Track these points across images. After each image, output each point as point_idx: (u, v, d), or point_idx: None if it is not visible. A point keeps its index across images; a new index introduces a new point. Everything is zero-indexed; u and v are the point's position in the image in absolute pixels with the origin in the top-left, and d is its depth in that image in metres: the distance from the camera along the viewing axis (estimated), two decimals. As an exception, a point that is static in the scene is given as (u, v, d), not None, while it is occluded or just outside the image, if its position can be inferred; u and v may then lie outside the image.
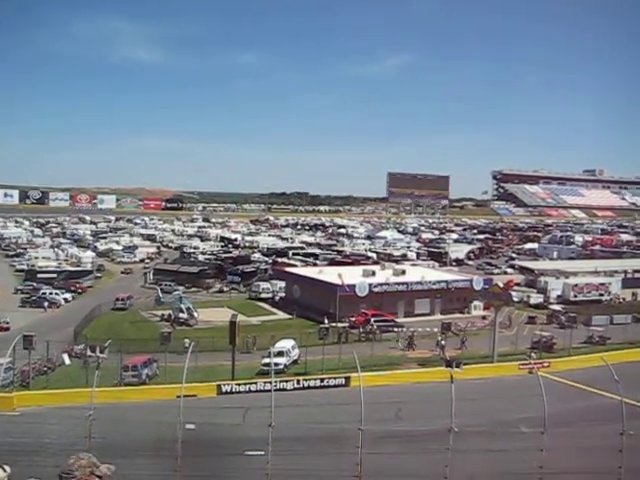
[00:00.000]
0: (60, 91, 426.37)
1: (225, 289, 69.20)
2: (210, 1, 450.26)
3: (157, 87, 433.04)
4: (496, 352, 39.21)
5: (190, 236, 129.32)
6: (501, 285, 47.00)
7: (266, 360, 35.63)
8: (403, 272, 62.14)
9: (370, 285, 54.86)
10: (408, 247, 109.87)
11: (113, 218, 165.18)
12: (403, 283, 57.38)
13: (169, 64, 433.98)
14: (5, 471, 5.48)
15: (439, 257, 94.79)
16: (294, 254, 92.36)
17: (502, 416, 25.52)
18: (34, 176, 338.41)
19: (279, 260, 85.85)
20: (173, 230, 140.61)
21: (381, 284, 56.18)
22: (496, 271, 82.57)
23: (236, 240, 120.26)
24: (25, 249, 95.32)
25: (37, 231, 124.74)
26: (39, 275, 68.13)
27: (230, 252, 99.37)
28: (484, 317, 52.04)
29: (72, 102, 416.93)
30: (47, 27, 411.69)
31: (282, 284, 64.42)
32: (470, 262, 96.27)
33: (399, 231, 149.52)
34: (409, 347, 43.61)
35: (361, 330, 47.17)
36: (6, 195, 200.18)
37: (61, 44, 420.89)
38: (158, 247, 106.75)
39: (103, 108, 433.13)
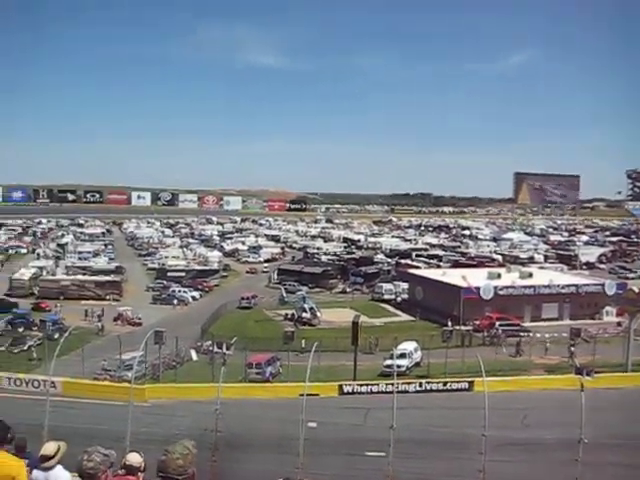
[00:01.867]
0: (182, 94, 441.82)
1: (348, 290, 69.41)
2: (325, 8, 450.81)
3: (280, 91, 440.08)
4: (630, 361, 37.08)
5: (313, 237, 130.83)
6: (636, 290, 44.37)
7: (388, 362, 35.45)
8: (530, 275, 60.11)
9: (495, 288, 53.41)
10: (535, 249, 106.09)
11: (239, 219, 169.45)
12: (530, 286, 55.43)
13: (289, 67, 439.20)
14: (141, 456, 5.61)
15: (568, 260, 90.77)
16: (417, 256, 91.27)
17: (636, 429, 24.04)
18: (165, 179, 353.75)
19: (402, 262, 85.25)
20: (297, 231, 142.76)
21: (507, 287, 54.55)
22: (631, 275, 78.14)
23: (359, 241, 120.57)
24: (156, 249, 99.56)
25: (167, 231, 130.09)
26: (169, 274, 70.91)
27: (353, 253, 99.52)
28: (619, 324, 49.29)
29: (195, 106, 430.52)
30: (174, 36, 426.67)
31: (405, 286, 63.85)
32: (602, 266, 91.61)
33: (526, 233, 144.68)
34: (517, 353, 42.10)
35: (485, 334, 45.99)
36: (139, 197, 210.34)
37: (183, 50, 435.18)
38: (282, 247, 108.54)
39: (227, 112, 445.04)
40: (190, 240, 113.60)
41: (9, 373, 33.28)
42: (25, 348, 40.52)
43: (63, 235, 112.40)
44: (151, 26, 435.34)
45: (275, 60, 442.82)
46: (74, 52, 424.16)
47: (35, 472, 6.04)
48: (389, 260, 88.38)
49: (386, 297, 63.03)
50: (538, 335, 44.57)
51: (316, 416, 22.60)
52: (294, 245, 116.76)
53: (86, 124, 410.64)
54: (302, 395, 21.85)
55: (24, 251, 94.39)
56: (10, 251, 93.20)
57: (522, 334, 45.46)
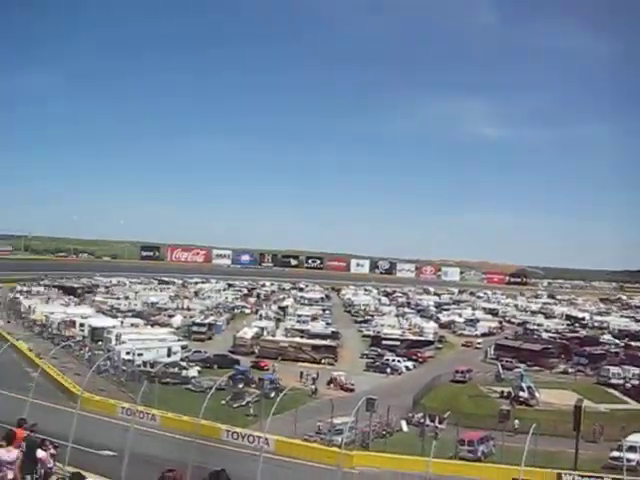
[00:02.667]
0: (396, 166, 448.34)
1: (570, 370, 64.94)
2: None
3: (503, 162, 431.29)
4: None
5: (534, 312, 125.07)
6: None
7: (615, 454, 32.18)
8: None
9: None
10: None
11: (456, 290, 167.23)
12: None
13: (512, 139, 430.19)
14: None
15: None
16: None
17: None
18: (383, 248, 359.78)
19: (633, 344, 78.48)
20: (516, 305, 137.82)
21: None
22: None
23: (583, 319, 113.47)
24: (372, 316, 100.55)
25: (384, 299, 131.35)
26: (384, 342, 71.00)
27: (577, 332, 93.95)
28: None
29: (411, 177, 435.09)
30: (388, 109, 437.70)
31: (636, 371, 58.40)
32: None
33: None
34: None
35: None
36: (358, 265, 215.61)
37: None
38: (500, 322, 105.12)
39: (446, 183, 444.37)
40: (406, 309, 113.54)
41: (228, 426, 34.65)
42: (244, 404, 42.26)
43: (284, 298, 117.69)
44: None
45: (497, 131, 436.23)
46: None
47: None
48: (617, 341, 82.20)
49: (613, 381, 57.89)
50: None
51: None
52: (513, 320, 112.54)
53: (310, 192, 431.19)
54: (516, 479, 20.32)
55: (248, 311, 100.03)
56: (236, 310, 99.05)
57: None
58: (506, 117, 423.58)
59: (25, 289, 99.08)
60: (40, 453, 16.41)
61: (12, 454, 12.37)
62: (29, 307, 76.00)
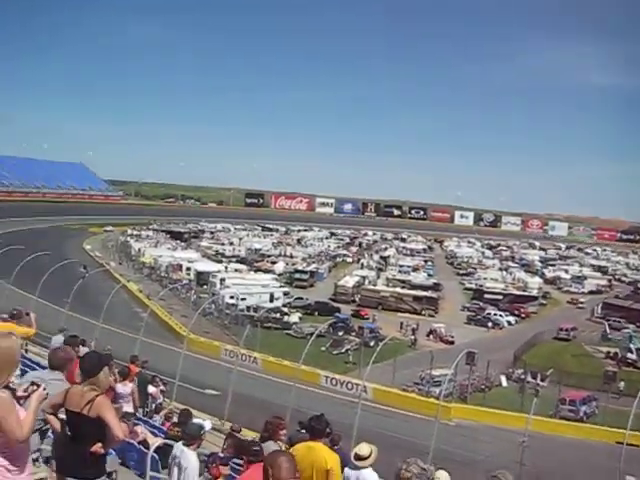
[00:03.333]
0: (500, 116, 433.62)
1: (684, 333, 62.03)
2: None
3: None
4: None
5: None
6: None
7: None
8: None
9: None
10: None
11: (563, 246, 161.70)
12: None
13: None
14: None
15: None
16: None
17: None
18: (489, 200, 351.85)
19: None
20: (627, 264, 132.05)
21: None
22: None
23: None
24: (475, 269, 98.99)
25: (487, 253, 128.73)
26: (485, 295, 69.95)
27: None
28: None
29: (530, 126, 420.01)
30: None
31: None
32: None
33: None
34: None
35: None
36: (462, 217, 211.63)
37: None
38: (609, 280, 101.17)
39: (559, 134, 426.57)
40: (510, 264, 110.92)
41: (327, 372, 35.36)
42: (343, 351, 42.85)
43: (386, 248, 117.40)
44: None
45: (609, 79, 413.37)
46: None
47: (347, 470, 6.28)
48: None
49: None
50: None
51: (636, 470, 20.19)
52: (623, 279, 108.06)
53: (414, 142, 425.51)
54: (620, 443, 19.70)
55: (350, 260, 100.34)
56: (337, 259, 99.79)
57: None
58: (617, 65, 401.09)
59: (135, 233, 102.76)
60: (151, 389, 17.30)
61: (127, 388, 13.04)
62: (139, 250, 79.12)
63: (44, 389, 4.88)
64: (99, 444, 5.35)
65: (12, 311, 13.51)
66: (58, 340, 14.27)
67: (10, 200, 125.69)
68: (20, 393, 4.86)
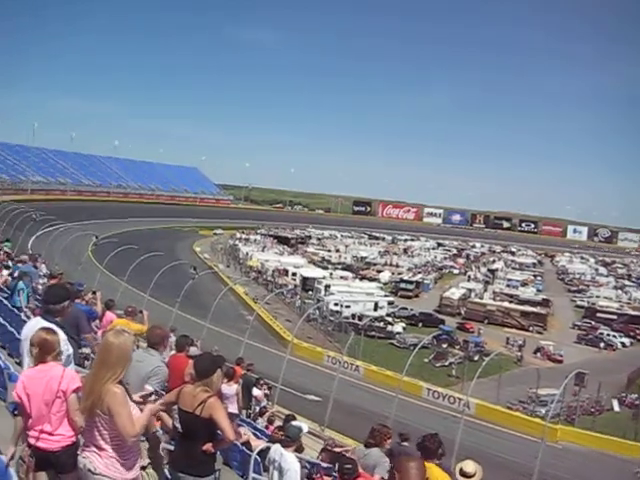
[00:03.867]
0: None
1: None
2: None
3: None
4: None
5: None
6: None
7: None
8: None
9: None
10: None
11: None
12: None
13: None
14: None
15: None
16: None
17: None
18: (603, 215, 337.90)
19: None
20: None
21: None
22: None
23: None
24: (587, 286, 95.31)
25: (601, 270, 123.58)
26: (598, 314, 67.02)
27: None
28: None
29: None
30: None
31: None
32: None
33: None
34: None
35: None
36: (575, 231, 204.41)
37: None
38: None
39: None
40: (626, 282, 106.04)
41: (429, 384, 34.89)
42: (446, 364, 42.20)
43: (494, 261, 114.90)
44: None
45: None
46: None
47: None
48: None
49: None
50: None
51: None
52: None
53: (523, 154, 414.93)
54: None
55: (456, 271, 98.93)
56: (444, 270, 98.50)
57: None
58: None
59: (244, 237, 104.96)
60: (256, 391, 17.61)
61: (232, 389, 13.31)
62: (247, 254, 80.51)
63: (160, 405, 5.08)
64: (209, 444, 5.49)
65: (127, 308, 14.10)
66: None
67: (126, 201, 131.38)
68: (136, 398, 5.05)
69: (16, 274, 17.50)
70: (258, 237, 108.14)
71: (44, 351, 5.06)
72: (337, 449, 11.67)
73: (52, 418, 4.83)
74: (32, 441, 4.86)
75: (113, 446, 4.59)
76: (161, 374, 5.95)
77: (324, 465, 9.29)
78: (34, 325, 6.19)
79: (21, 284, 15.90)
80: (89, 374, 4.76)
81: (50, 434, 4.82)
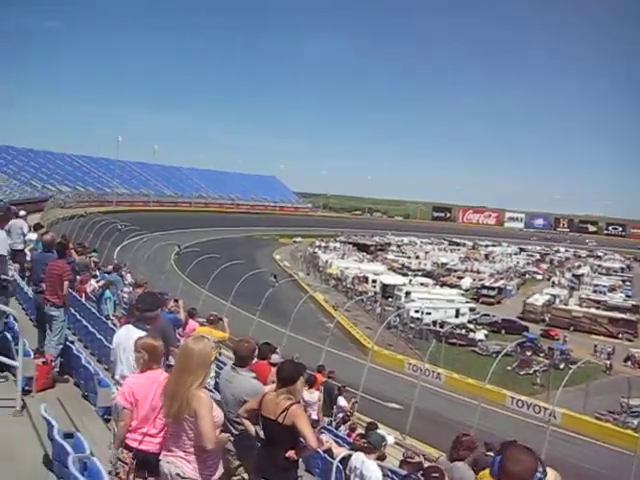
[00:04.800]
0: None
1: None
2: None
3: None
4: None
5: None
6: None
7: None
8: None
9: None
10: None
11: None
12: None
13: None
14: None
15: None
16: None
17: None
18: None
19: None
20: None
21: None
22: None
23: None
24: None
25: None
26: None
27: None
28: None
29: None
30: None
31: None
32: None
33: None
34: None
35: None
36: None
37: None
38: None
39: None
40: None
41: (513, 393, 34.10)
42: (530, 372, 41.16)
43: (580, 266, 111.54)
44: None
45: None
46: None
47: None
48: None
49: None
50: None
51: None
52: None
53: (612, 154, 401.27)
54: None
55: (540, 277, 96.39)
56: (527, 275, 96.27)
57: None
58: None
59: (323, 244, 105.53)
60: (342, 401, 17.65)
61: (313, 396, 13.38)
62: (326, 261, 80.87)
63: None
64: (292, 451, 5.52)
65: (209, 316, 14.39)
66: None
67: (206, 211, 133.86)
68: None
69: (101, 283, 18.12)
70: (337, 245, 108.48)
71: (152, 358, 5.35)
72: (417, 459, 11.50)
73: (157, 422, 5.04)
74: (134, 444, 5.06)
75: (200, 449, 4.68)
76: (260, 394, 6.01)
77: (413, 476, 9.14)
78: (125, 333, 6.39)
79: (108, 293, 16.45)
80: (169, 380, 4.86)
81: (153, 437, 5.04)
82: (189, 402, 4.60)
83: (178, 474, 4.67)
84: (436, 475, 6.34)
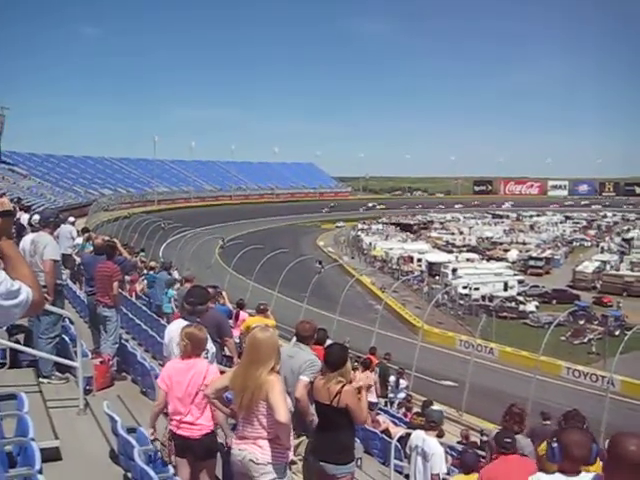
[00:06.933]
0: None
1: None
2: None
3: None
4: None
5: None
6: None
7: None
8: None
9: None
10: None
11: None
12: None
13: None
14: None
15: None
16: None
17: None
18: None
19: None
20: None
21: None
22: None
23: None
24: None
25: None
26: None
27: None
28: None
29: None
30: None
31: None
32: None
33: None
34: None
35: None
36: None
37: None
38: None
39: None
40: None
41: (568, 363, 33.67)
42: (585, 341, 40.57)
43: (629, 229, 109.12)
44: None
45: None
46: None
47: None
48: None
49: None
50: None
51: None
52: None
53: None
54: None
55: (588, 244, 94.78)
56: (574, 243, 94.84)
57: None
58: None
59: (365, 227, 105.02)
60: (402, 382, 17.90)
61: (369, 378, 13.48)
62: (370, 244, 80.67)
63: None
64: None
65: (259, 306, 14.60)
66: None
67: (247, 202, 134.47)
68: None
69: (155, 283, 18.45)
70: (380, 226, 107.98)
71: (194, 345, 5.57)
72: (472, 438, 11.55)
73: (194, 409, 5.34)
74: (174, 429, 5.44)
75: (273, 432, 4.79)
76: (317, 366, 6.09)
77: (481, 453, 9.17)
78: (177, 327, 6.52)
79: (171, 292, 16.83)
80: (238, 372, 5.00)
81: (192, 424, 5.35)
82: (261, 388, 4.72)
83: (251, 460, 4.80)
84: (509, 440, 6.29)
